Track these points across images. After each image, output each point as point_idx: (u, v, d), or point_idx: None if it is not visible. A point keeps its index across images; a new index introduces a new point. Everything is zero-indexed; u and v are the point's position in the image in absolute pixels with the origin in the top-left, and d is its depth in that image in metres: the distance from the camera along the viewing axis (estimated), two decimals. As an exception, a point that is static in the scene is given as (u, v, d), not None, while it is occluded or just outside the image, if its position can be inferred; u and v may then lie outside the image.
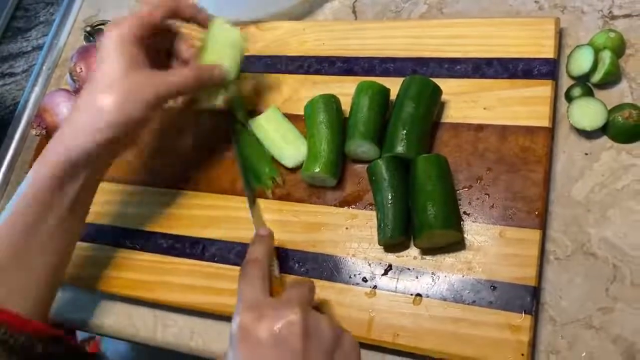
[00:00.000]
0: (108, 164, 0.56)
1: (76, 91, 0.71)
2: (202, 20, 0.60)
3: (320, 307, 0.55)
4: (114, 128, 0.52)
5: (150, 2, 0.55)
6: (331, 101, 0.61)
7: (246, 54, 0.63)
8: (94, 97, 0.52)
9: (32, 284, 0.53)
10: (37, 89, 0.83)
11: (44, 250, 0.53)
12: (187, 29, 0.61)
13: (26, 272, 0.52)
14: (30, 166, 0.74)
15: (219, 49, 0.60)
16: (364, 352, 0.55)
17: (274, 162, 0.63)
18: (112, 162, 0.57)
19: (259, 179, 0.63)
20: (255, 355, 0.43)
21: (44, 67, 0.84)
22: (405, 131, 0.56)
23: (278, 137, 0.63)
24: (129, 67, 0.52)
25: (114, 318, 0.64)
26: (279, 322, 0.43)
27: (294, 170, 0.62)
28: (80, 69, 0.70)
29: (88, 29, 0.79)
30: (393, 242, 0.55)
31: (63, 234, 0.54)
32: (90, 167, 0.53)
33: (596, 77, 0.57)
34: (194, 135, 0.69)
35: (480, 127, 0.58)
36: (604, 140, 0.56)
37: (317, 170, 0.58)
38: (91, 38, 0.80)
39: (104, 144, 0.52)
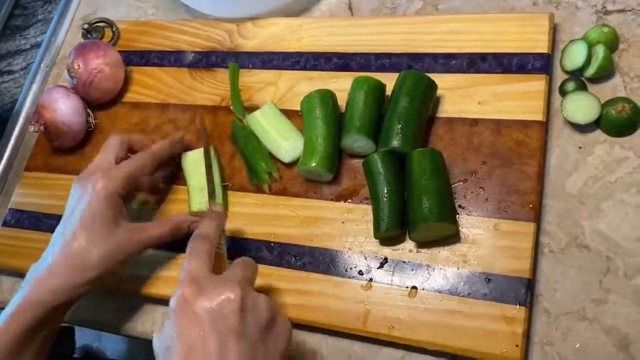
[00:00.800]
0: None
1: (74, 88, 0.72)
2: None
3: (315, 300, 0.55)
4: (94, 282, 0.55)
5: (134, 162, 0.59)
6: (327, 96, 0.61)
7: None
8: (77, 252, 0.54)
9: None
10: (35, 87, 0.84)
11: None
12: None
13: None
14: (28, 163, 0.75)
15: (198, 175, 0.63)
16: (360, 345, 0.55)
17: (271, 157, 0.64)
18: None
19: (256, 174, 0.63)
20: (192, 328, 0.44)
21: (42, 65, 0.85)
22: (400, 126, 0.57)
23: (274, 132, 0.63)
24: (113, 222, 0.56)
25: (114, 314, 0.64)
26: (217, 298, 0.44)
27: (290, 165, 0.63)
28: (78, 65, 0.70)
29: (86, 26, 0.80)
30: (389, 236, 0.56)
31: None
32: (66, 306, 0.57)
33: (590, 72, 0.57)
34: (189, 130, 0.69)
35: (475, 122, 0.58)
36: (598, 133, 0.56)
37: (314, 165, 0.58)
38: (89, 35, 0.80)
39: (84, 293, 0.56)
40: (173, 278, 0.61)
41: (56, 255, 0.55)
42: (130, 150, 0.63)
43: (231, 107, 0.68)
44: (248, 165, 0.64)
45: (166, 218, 0.61)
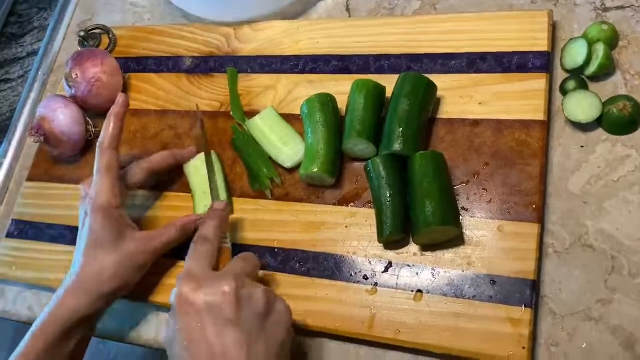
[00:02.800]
0: None
1: (72, 97, 0.71)
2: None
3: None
4: (111, 296, 0.57)
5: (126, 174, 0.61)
6: (327, 100, 0.61)
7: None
8: (89, 272, 0.56)
9: None
10: (33, 95, 0.83)
11: None
12: None
13: None
14: (29, 173, 0.75)
15: (200, 180, 0.64)
16: (366, 349, 0.55)
17: (272, 162, 0.64)
18: None
19: (258, 180, 0.63)
20: (191, 321, 0.46)
21: (39, 73, 0.84)
22: (401, 129, 0.56)
23: (275, 137, 0.63)
24: (119, 236, 0.57)
25: (116, 322, 0.64)
26: (213, 291, 0.47)
27: (291, 170, 0.63)
28: (76, 75, 0.70)
29: (82, 34, 0.79)
30: (392, 240, 0.56)
31: None
32: (90, 320, 0.58)
33: (590, 70, 0.57)
34: (190, 136, 0.69)
35: (476, 122, 0.58)
36: (599, 132, 0.56)
37: (315, 170, 0.58)
38: (85, 43, 0.80)
39: (105, 306, 0.57)
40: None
41: (73, 275, 0.57)
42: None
43: (231, 113, 0.68)
44: (250, 171, 0.64)
45: (171, 222, 0.61)
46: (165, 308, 0.63)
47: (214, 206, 0.58)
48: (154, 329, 0.63)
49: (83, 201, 0.59)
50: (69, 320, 0.55)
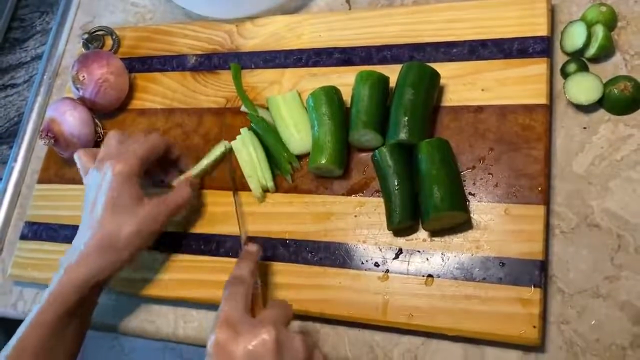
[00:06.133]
0: None
1: (80, 99, 0.72)
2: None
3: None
4: (124, 262, 0.58)
5: (147, 143, 0.61)
6: (332, 93, 0.62)
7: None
8: (106, 236, 0.57)
9: None
10: (39, 99, 0.84)
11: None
12: None
13: None
14: (40, 176, 0.76)
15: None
16: (380, 335, 0.56)
17: None
18: None
19: (278, 164, 0.64)
20: None
21: (44, 77, 0.85)
22: (406, 118, 0.57)
23: (291, 122, 0.64)
24: (136, 201, 0.58)
25: (135, 318, 0.66)
26: (253, 341, 0.46)
27: (300, 163, 0.64)
28: (83, 76, 0.71)
29: (86, 36, 0.80)
30: (402, 227, 0.57)
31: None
32: (99, 288, 0.60)
33: (590, 52, 0.58)
34: (197, 133, 0.70)
35: (479, 109, 0.59)
36: (601, 113, 0.57)
37: (324, 162, 0.59)
38: (89, 45, 0.81)
39: (116, 272, 0.59)
40: (193, 280, 0.63)
41: (87, 242, 0.57)
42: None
43: (242, 107, 0.69)
44: (270, 156, 0.65)
45: (176, 183, 0.64)
46: (162, 300, 0.64)
47: (247, 248, 0.58)
48: (172, 323, 0.64)
49: (104, 162, 0.59)
50: (86, 283, 0.56)
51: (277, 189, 0.64)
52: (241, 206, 0.64)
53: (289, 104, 0.65)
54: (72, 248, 0.58)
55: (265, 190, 0.64)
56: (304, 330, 0.59)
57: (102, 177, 0.58)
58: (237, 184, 0.65)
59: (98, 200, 0.58)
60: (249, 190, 0.64)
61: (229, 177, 0.66)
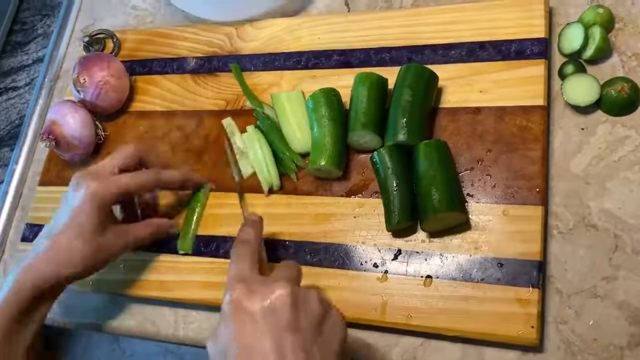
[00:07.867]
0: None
1: (81, 101, 0.73)
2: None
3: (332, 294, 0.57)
4: (77, 276, 0.58)
5: (134, 179, 0.60)
6: (332, 95, 0.62)
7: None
8: (64, 246, 0.57)
9: None
10: (41, 101, 0.85)
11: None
12: None
13: None
14: (42, 178, 0.77)
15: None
16: (379, 335, 0.57)
17: None
18: None
19: (283, 163, 0.64)
20: (247, 327, 0.44)
21: (46, 79, 0.86)
22: (405, 119, 0.58)
23: (293, 120, 0.65)
24: (100, 226, 0.58)
25: (136, 319, 0.66)
26: (269, 296, 0.45)
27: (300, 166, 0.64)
28: (84, 79, 0.71)
29: (86, 39, 0.81)
30: (401, 228, 0.57)
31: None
32: (53, 294, 0.59)
33: (587, 54, 0.58)
34: (197, 135, 0.71)
35: (477, 110, 0.60)
36: (599, 114, 0.57)
37: (323, 163, 0.59)
38: (90, 48, 0.81)
39: (69, 282, 0.58)
40: (193, 282, 0.63)
41: (46, 244, 0.57)
42: (141, 164, 0.65)
43: (248, 103, 0.69)
44: (274, 155, 0.65)
45: (148, 221, 0.64)
46: (163, 302, 0.64)
47: (250, 217, 0.58)
48: (172, 324, 0.65)
49: (87, 176, 0.59)
50: (34, 290, 0.55)
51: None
52: (245, 203, 0.65)
53: (293, 102, 0.65)
54: (35, 242, 0.59)
55: (270, 190, 0.64)
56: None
57: (80, 188, 0.58)
58: (241, 187, 0.66)
59: (67, 207, 0.58)
60: (249, 192, 0.65)
61: (233, 175, 0.66)
